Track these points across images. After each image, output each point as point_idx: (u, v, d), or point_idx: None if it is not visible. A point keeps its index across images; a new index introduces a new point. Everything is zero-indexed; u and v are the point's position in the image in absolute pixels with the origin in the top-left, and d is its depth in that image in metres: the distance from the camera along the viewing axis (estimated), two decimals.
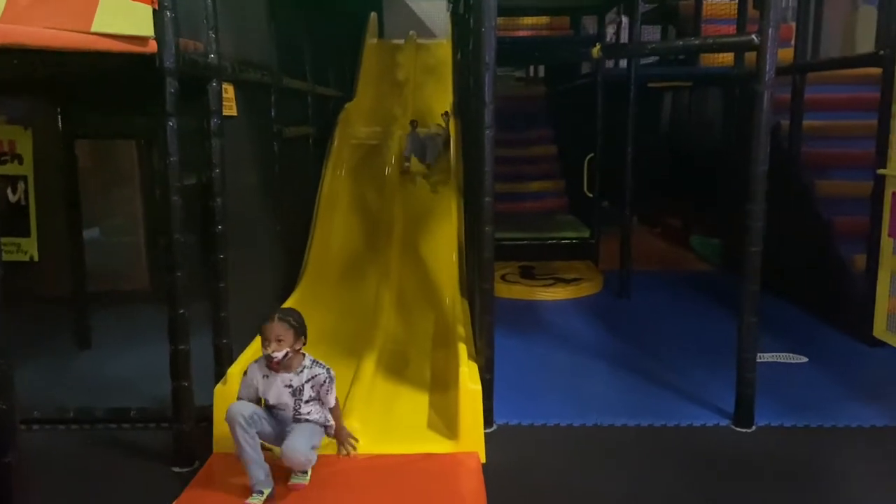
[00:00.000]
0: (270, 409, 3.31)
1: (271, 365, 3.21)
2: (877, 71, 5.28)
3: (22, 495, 1.96)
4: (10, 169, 4.70)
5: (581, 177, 7.69)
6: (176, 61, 3.38)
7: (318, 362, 3.31)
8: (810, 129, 6.41)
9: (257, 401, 3.31)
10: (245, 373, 3.33)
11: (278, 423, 3.30)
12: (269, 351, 3.14)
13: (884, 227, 4.70)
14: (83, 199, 5.28)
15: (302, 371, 3.25)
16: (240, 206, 4.40)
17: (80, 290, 5.27)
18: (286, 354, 3.16)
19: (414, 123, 7.30)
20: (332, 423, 3.42)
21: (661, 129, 10.51)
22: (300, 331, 3.20)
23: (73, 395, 4.34)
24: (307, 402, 3.27)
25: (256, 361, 3.31)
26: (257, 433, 3.18)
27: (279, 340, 3.13)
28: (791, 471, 3.56)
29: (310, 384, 3.25)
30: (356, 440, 3.47)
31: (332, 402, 3.32)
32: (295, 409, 3.27)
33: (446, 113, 7.46)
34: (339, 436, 3.45)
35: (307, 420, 3.30)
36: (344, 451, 3.43)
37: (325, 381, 3.26)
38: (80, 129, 5.08)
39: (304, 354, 3.29)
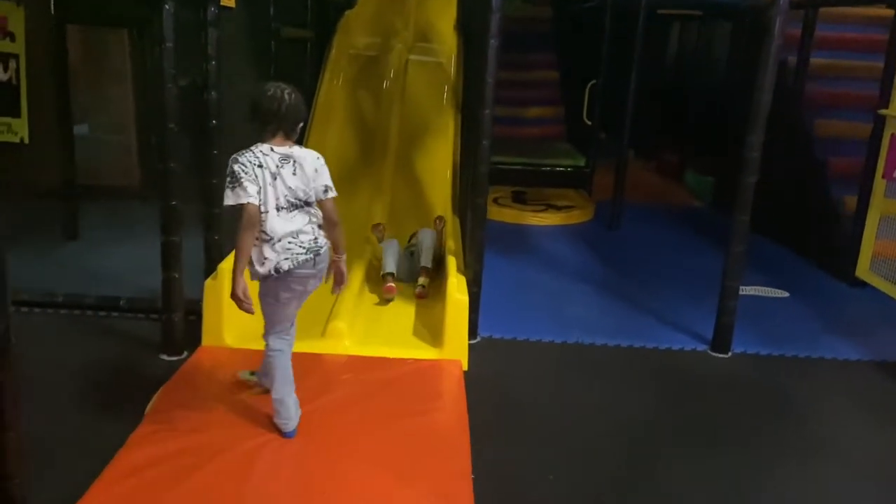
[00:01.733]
0: None
1: None
2: (888, 12, 5.17)
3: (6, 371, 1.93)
4: (2, 46, 4.53)
5: (581, 105, 7.58)
6: None
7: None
8: (816, 67, 6.32)
9: None
10: None
11: None
12: None
13: (878, 168, 4.68)
14: (75, 94, 5.15)
15: None
16: (233, 103, 4.32)
17: (69, 181, 5.22)
18: None
19: (379, 227, 5.17)
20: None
21: (665, 63, 10.31)
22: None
23: (61, 283, 4.36)
24: None
25: None
26: None
27: None
28: (761, 393, 3.68)
29: None
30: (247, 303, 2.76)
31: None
32: None
33: (440, 218, 5.15)
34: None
35: None
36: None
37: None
38: (73, 14, 4.92)
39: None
